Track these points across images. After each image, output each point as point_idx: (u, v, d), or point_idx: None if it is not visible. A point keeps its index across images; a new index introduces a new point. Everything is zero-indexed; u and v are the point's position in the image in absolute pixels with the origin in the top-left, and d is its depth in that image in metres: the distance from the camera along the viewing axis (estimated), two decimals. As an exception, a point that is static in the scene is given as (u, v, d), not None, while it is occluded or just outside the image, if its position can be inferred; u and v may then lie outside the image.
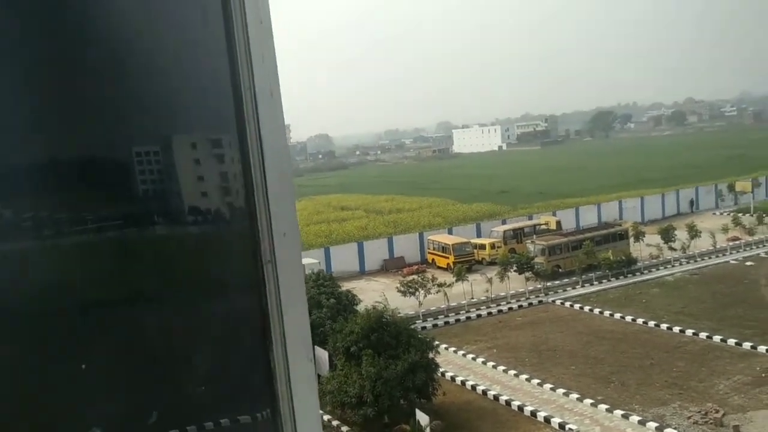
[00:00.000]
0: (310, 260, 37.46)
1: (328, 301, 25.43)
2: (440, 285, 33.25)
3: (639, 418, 20.75)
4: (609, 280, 38.42)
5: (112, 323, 1.45)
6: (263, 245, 1.57)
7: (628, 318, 31.18)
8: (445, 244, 45.06)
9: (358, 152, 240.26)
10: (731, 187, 61.58)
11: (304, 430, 1.61)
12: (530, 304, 35.41)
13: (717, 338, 27.34)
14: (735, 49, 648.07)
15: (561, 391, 23.39)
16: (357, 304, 28.00)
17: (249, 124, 1.57)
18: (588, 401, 22.36)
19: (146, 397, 1.47)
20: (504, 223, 51.33)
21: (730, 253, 42.46)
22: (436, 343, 23.05)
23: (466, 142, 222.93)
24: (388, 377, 20.13)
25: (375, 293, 33.87)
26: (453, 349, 28.89)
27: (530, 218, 52.84)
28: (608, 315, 32.04)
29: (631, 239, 42.31)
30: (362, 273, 45.78)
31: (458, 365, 27.12)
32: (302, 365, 1.62)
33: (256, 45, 1.58)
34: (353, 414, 20.80)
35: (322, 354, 22.33)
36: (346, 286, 33.94)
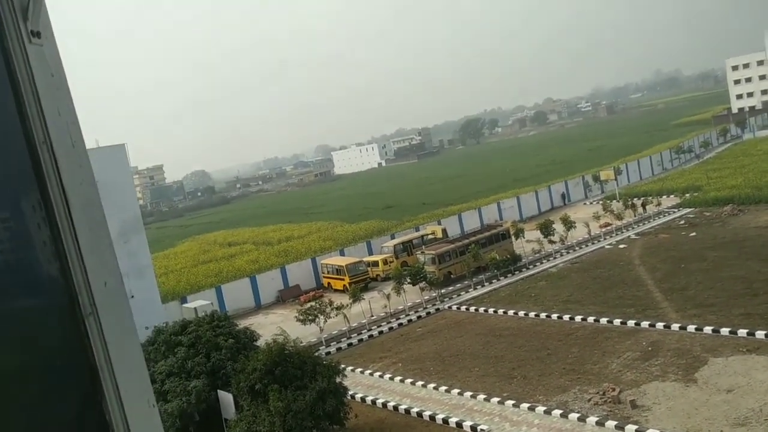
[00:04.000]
0: (202, 302, 36.27)
1: (227, 342, 24.60)
2: (339, 308, 33.17)
3: (544, 408, 21.56)
4: (498, 280, 39.85)
5: None
6: (81, 298, 1.53)
7: (521, 313, 32.43)
8: (339, 266, 45.05)
9: (238, 185, 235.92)
10: (596, 177, 65.86)
11: None
12: (428, 313, 36.04)
13: (604, 320, 28.99)
14: (585, 47, 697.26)
15: (468, 393, 23.89)
16: (257, 340, 27.30)
17: (49, 176, 1.53)
18: (495, 400, 22.97)
19: None
20: (393, 237, 52.04)
21: (604, 239, 45.31)
22: (342, 366, 22.92)
23: (346, 163, 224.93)
24: (298, 409, 19.75)
25: (274, 326, 33.22)
26: (359, 369, 28.84)
27: (417, 229, 53.94)
28: (502, 313, 33.18)
29: (513, 237, 44.17)
30: (258, 307, 44.85)
31: (366, 385, 27.09)
32: (143, 413, 1.58)
33: (49, 98, 1.54)
34: (267, 453, 20.19)
35: (226, 397, 21.59)
36: (243, 323, 33.01)
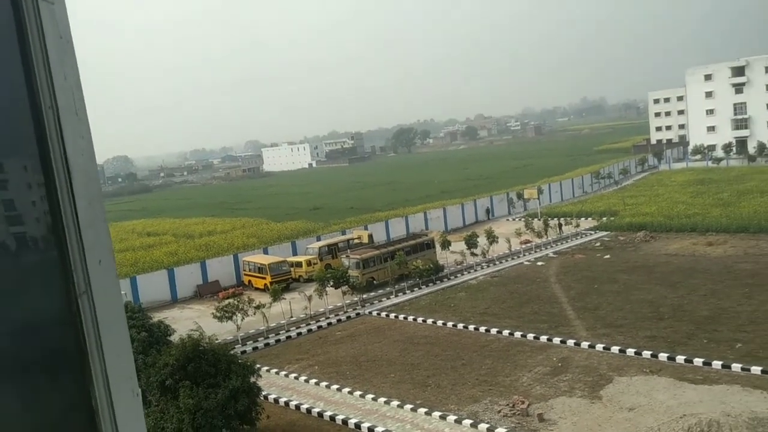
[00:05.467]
0: (116, 291, 35.03)
1: (139, 335, 23.85)
2: (258, 306, 32.71)
3: (455, 417, 21.91)
4: (420, 288, 40.30)
5: None
6: (77, 276, 1.45)
7: (440, 322, 32.88)
8: (261, 264, 44.45)
9: (162, 174, 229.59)
10: (520, 195, 67.67)
11: None
12: (348, 317, 36.02)
13: (518, 334, 29.76)
14: (516, 69, 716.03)
15: (382, 399, 24.01)
16: (171, 335, 26.62)
17: (53, 145, 1.44)
18: (408, 407, 23.17)
19: None
20: (319, 239, 51.80)
21: (524, 255, 46.57)
22: (258, 366, 22.60)
23: (276, 161, 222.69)
24: (208, 407, 19.31)
25: (190, 321, 32.45)
26: (275, 370, 28.51)
27: (344, 233, 53.89)
28: (421, 321, 33.55)
29: (438, 247, 44.80)
30: (175, 301, 43.67)
31: (281, 386, 26.80)
32: (127, 401, 1.52)
33: (57, 62, 1.46)
34: (173, 451, 19.64)
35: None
36: (157, 316, 32.14)
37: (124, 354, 1.54)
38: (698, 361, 24.30)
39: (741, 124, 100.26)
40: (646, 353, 25.71)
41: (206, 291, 44.55)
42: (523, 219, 56.70)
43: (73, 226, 1.45)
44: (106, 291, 1.50)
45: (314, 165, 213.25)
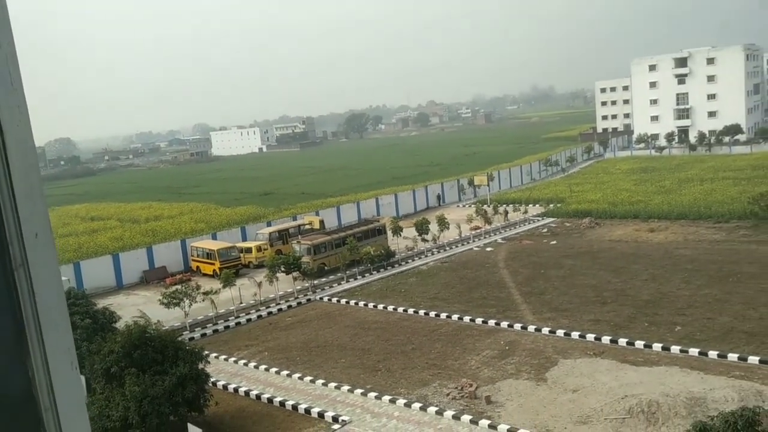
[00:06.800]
0: (58, 278, 34.04)
1: (83, 321, 23.25)
2: (206, 293, 32.28)
3: (405, 400, 22.13)
4: (371, 274, 40.41)
5: None
6: (12, 249, 1.42)
7: (390, 308, 33.08)
8: (210, 249, 43.82)
9: (107, 157, 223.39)
10: (470, 182, 68.38)
11: None
12: (299, 303, 35.90)
13: (467, 319, 30.18)
14: (466, 58, 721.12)
15: (332, 384, 24.06)
16: (116, 322, 26.06)
17: None
18: (358, 391, 23.28)
19: None
20: (269, 225, 51.32)
21: (473, 241, 47.17)
22: (206, 352, 22.34)
23: (225, 145, 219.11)
24: (155, 394, 19.02)
25: (135, 307, 31.81)
26: (224, 356, 28.24)
27: (295, 219, 53.52)
28: (372, 307, 33.69)
29: (390, 233, 44.96)
30: (120, 287, 42.71)
31: (230, 372, 26.57)
32: (66, 374, 1.49)
33: None
34: (118, 439, 19.29)
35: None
36: (102, 302, 31.43)
37: (62, 327, 1.51)
38: (639, 344, 25.11)
39: (683, 113, 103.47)
40: (590, 336, 26.43)
41: (153, 277, 43.70)
42: (473, 205, 57.36)
43: (8, 198, 1.42)
44: (44, 264, 1.46)
45: (264, 149, 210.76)
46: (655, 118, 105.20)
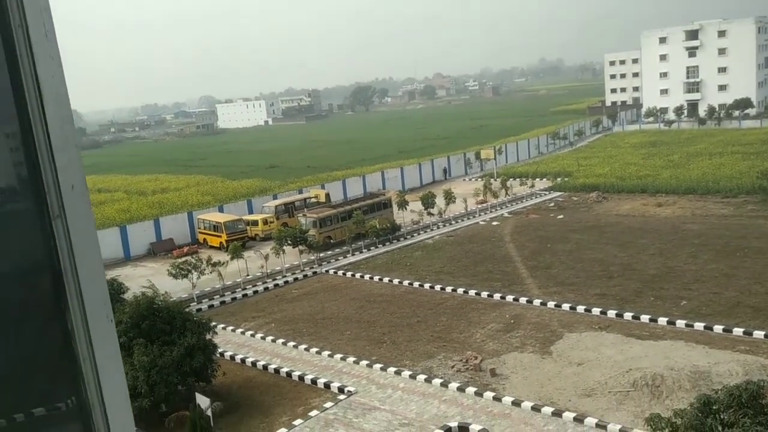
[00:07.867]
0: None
1: (91, 292, 23.47)
2: (214, 265, 32.45)
3: (410, 372, 22.31)
4: (377, 247, 40.50)
5: None
6: (50, 199, 1.43)
7: (396, 281, 33.19)
8: (217, 222, 43.95)
9: (113, 129, 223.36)
10: (477, 155, 68.07)
11: (110, 390, 1.51)
12: (305, 276, 36.06)
13: (472, 292, 30.27)
14: (475, 30, 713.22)
15: (338, 356, 24.27)
16: (124, 293, 26.30)
17: (23, 65, 1.39)
18: (364, 362, 23.48)
19: None
20: (275, 197, 51.37)
21: (480, 215, 47.11)
22: (213, 323, 22.52)
23: (231, 117, 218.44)
24: (164, 364, 19.24)
25: (143, 279, 32.03)
26: (231, 327, 28.48)
27: (301, 192, 53.56)
28: (378, 280, 33.81)
29: (395, 207, 44.94)
30: (128, 259, 42.98)
31: (237, 343, 26.81)
32: (103, 326, 1.51)
33: None
34: (128, 408, 19.55)
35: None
36: (110, 274, 31.70)
37: (99, 279, 1.53)
38: (645, 318, 25.17)
39: (693, 87, 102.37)
40: (596, 310, 26.49)
41: (160, 249, 43.92)
42: (480, 179, 57.12)
43: (46, 149, 1.42)
44: (80, 215, 1.48)
45: (270, 122, 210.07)
46: (664, 92, 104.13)
